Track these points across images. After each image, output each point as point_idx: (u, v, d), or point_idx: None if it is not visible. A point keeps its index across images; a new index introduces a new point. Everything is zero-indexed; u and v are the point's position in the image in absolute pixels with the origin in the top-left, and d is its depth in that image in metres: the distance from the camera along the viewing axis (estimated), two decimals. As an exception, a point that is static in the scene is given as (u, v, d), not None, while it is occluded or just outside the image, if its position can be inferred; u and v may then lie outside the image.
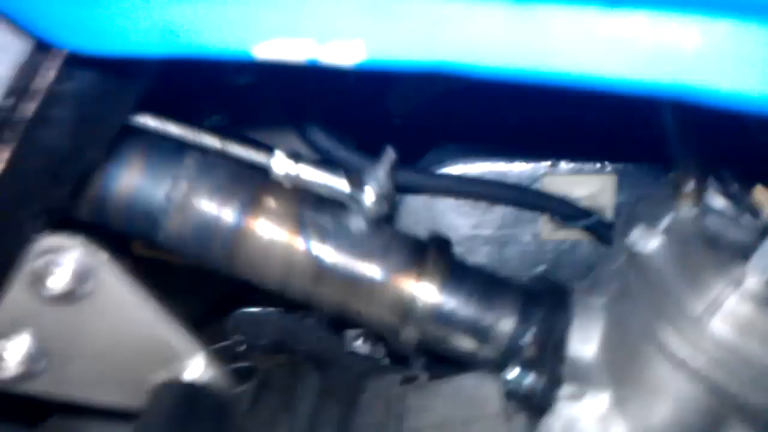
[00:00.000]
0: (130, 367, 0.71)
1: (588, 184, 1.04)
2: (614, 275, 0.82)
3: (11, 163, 0.57)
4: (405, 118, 1.26)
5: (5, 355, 0.69)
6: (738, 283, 0.71)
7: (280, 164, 0.81)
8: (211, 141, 0.80)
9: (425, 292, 0.81)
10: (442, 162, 1.06)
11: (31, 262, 0.68)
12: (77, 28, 0.47)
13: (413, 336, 0.83)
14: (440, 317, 0.82)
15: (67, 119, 0.59)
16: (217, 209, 0.79)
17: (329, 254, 0.81)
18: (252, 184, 0.82)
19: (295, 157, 0.82)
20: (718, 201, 0.81)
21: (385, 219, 0.84)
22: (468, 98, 1.20)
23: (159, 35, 0.46)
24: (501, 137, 1.09)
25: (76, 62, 0.56)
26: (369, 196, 0.80)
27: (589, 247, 1.06)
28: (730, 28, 0.44)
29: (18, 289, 0.68)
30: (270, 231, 0.80)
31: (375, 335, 1.14)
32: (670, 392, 0.75)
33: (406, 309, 0.82)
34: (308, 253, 0.81)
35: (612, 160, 1.04)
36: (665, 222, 0.79)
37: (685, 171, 0.79)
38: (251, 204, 0.80)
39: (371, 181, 0.81)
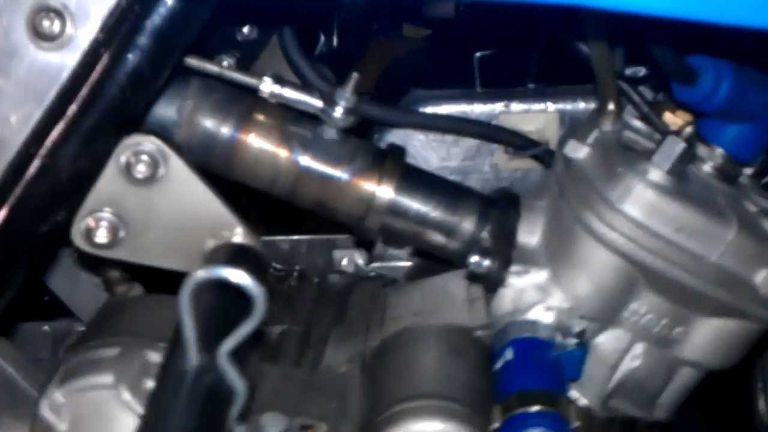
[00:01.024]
0: (190, 236, 0.91)
1: (536, 122, 1.26)
2: (554, 180, 1.04)
3: (105, 78, 0.78)
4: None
5: (97, 225, 0.89)
6: (643, 174, 0.92)
7: (267, 86, 1.00)
8: (211, 67, 1.00)
9: (383, 189, 1.02)
10: (414, 104, 1.27)
11: (117, 155, 0.88)
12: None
13: (375, 225, 1.04)
14: (396, 211, 1.03)
15: (147, 46, 0.79)
16: (217, 123, 0.98)
17: (308, 159, 1.01)
18: (245, 103, 1.01)
19: (279, 80, 1.01)
20: (633, 120, 1.03)
21: (354, 132, 1.05)
22: (434, 54, 1.41)
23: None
24: (462, 85, 1.30)
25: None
26: (338, 110, 1.01)
27: (539, 174, 1.27)
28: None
29: (107, 176, 0.88)
30: (260, 141, 1.00)
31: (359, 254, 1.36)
32: (594, 264, 0.96)
33: (368, 203, 1.02)
34: (291, 158, 1.01)
35: (554, 102, 1.26)
36: (592, 136, 1.00)
37: (605, 96, 1.00)
38: (244, 119, 1.00)
39: (340, 99, 1.01)
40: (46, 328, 1.30)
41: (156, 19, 0.78)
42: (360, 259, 1.37)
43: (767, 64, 0.94)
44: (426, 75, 1.37)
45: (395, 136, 1.27)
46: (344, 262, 1.36)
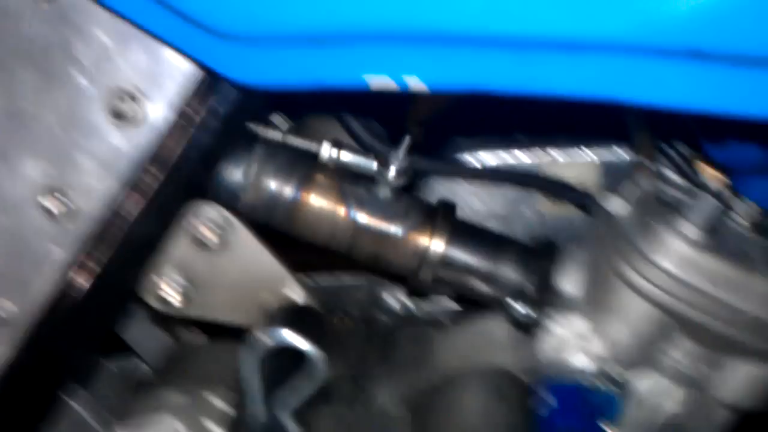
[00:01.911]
0: (251, 293, 1.00)
1: (576, 169, 1.31)
2: (593, 230, 1.09)
3: (183, 154, 0.86)
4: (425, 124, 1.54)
5: (169, 288, 0.99)
6: (678, 229, 0.97)
7: (327, 151, 1.08)
8: (274, 134, 1.08)
9: (436, 244, 1.08)
10: (456, 152, 1.33)
11: (187, 223, 0.97)
12: (242, 67, 0.75)
13: (428, 277, 1.10)
14: (447, 263, 1.09)
15: (214, 126, 0.87)
16: (280, 185, 1.06)
17: (364, 217, 1.08)
18: (305, 166, 1.09)
19: (337, 144, 1.09)
20: (670, 173, 1.08)
21: (405, 189, 1.11)
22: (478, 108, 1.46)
23: (301, 73, 0.73)
24: (504, 135, 1.35)
25: (227, 87, 0.85)
26: (392, 171, 1.08)
27: (581, 220, 1.31)
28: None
29: (177, 242, 0.97)
30: (320, 200, 1.08)
31: (406, 295, 1.41)
32: (631, 313, 1.00)
33: (422, 257, 1.08)
34: (349, 216, 1.08)
35: (594, 150, 1.30)
36: (629, 190, 1.05)
37: (642, 152, 1.05)
38: (305, 180, 1.07)
39: (394, 160, 1.08)
40: (113, 367, 1.35)
41: (223, 100, 0.86)
42: (406, 300, 1.43)
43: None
44: (468, 121, 1.43)
45: (442, 184, 1.33)
46: (390, 301, 1.43)
